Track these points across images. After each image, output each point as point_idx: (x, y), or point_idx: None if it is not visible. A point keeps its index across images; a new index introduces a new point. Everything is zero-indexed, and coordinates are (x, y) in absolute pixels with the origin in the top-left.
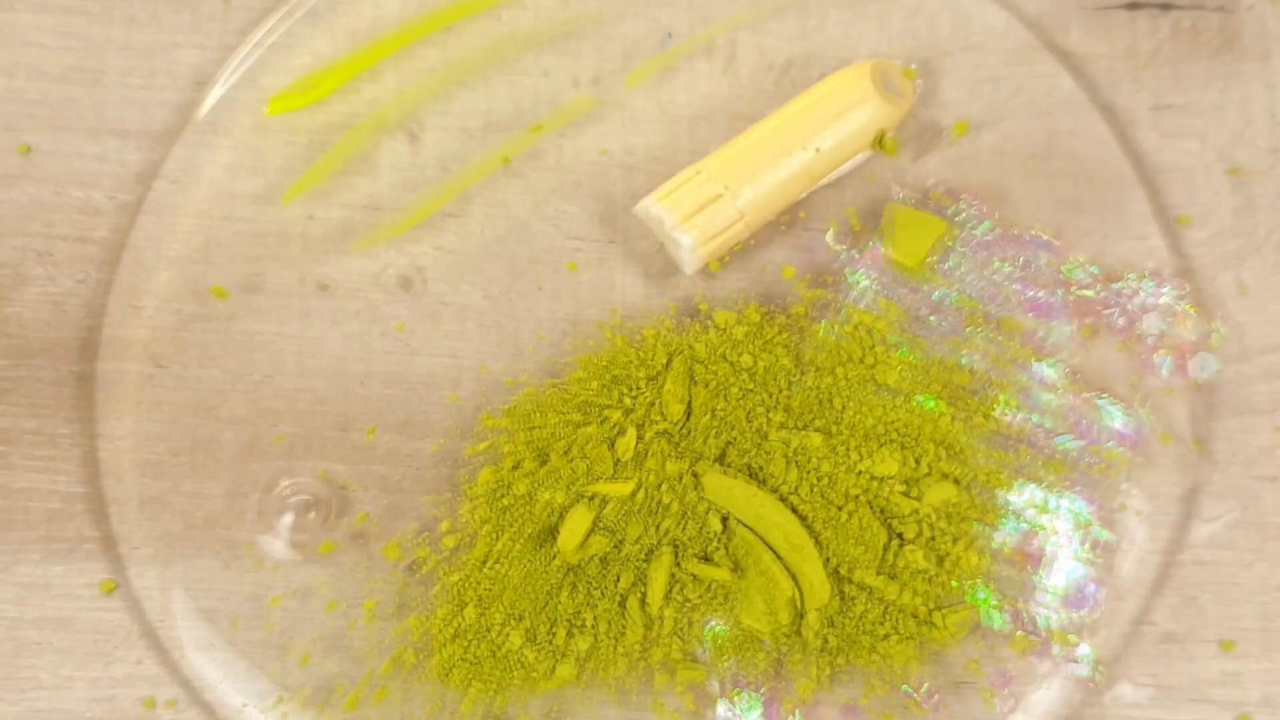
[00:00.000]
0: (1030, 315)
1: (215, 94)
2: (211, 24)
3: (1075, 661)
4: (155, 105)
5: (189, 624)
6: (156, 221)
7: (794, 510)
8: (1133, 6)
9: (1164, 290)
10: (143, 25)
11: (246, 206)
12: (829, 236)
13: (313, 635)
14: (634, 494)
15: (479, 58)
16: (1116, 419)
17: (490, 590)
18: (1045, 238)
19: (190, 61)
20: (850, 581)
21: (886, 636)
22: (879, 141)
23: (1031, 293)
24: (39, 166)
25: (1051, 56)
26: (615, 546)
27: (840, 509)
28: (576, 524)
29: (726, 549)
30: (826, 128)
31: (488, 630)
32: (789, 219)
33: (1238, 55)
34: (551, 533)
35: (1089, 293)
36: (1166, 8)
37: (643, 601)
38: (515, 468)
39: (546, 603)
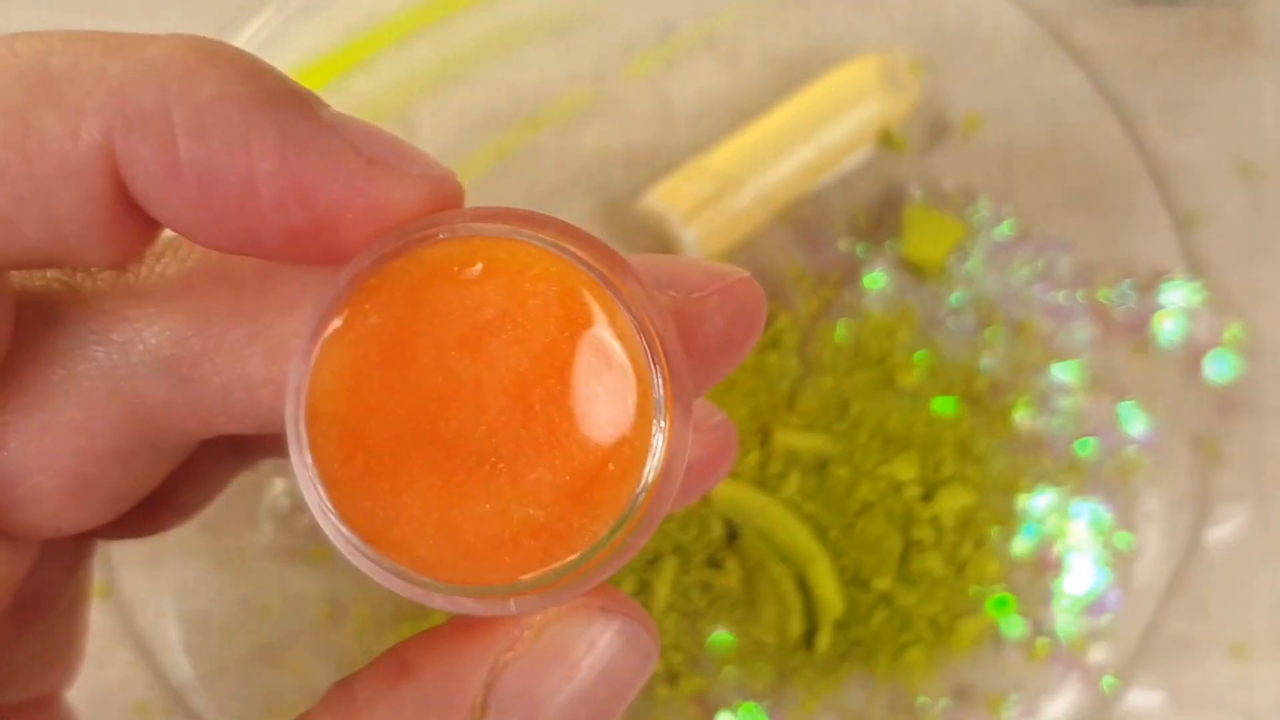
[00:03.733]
0: (1049, 318)
1: None
2: (204, 19)
3: (1090, 668)
4: None
5: (180, 629)
6: None
7: (807, 517)
8: (1141, 2)
9: (1182, 292)
10: (135, 21)
11: None
12: (838, 236)
13: (305, 642)
14: None
15: (476, 51)
16: (1136, 423)
17: None
18: (1065, 240)
19: None
20: (867, 589)
21: (906, 645)
22: (885, 137)
23: (1050, 296)
24: None
25: (1059, 52)
26: None
27: (857, 515)
28: None
29: (740, 555)
30: (831, 122)
31: None
32: (793, 215)
33: (1247, 51)
34: None
35: (1110, 302)
36: (1175, 3)
37: (645, 610)
38: None
39: None
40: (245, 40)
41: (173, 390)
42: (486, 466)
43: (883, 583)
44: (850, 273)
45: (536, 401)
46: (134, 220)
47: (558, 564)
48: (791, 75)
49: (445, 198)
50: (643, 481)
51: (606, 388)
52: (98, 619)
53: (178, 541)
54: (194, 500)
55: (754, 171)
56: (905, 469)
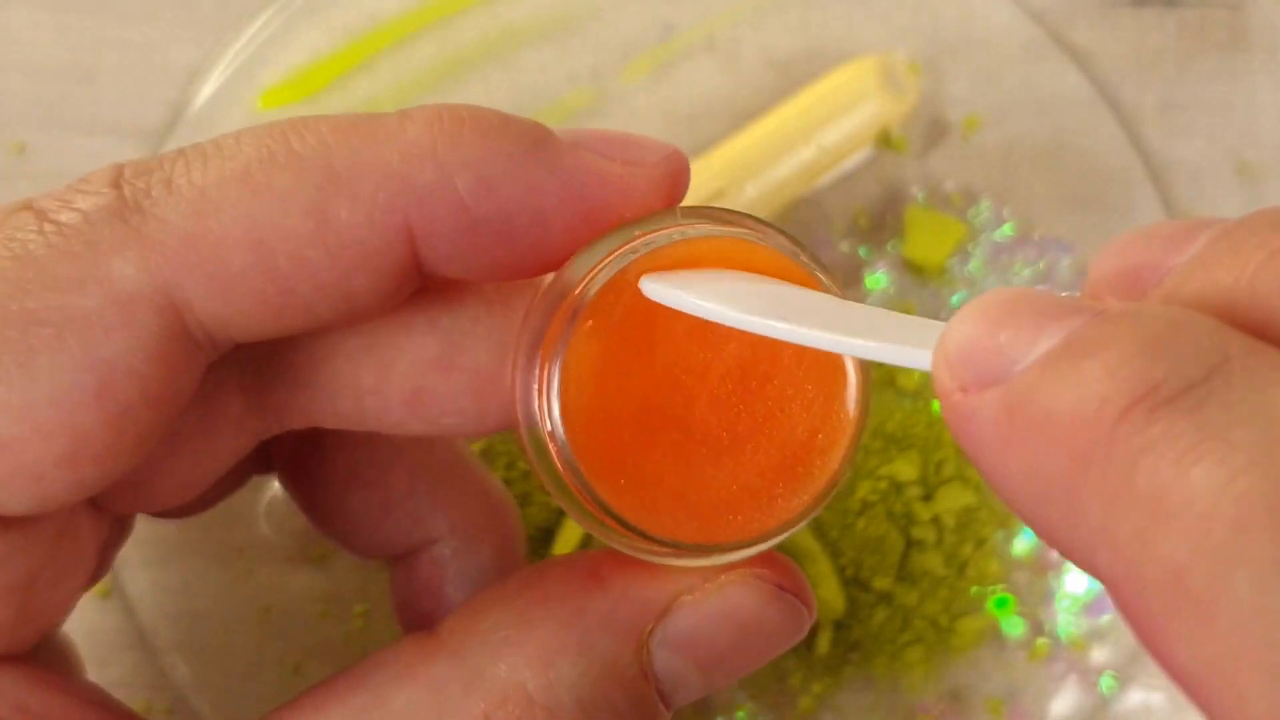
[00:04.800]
0: None
1: (209, 90)
2: (206, 19)
3: (1090, 668)
4: (149, 102)
5: (182, 629)
6: None
7: None
8: (1139, 3)
9: None
10: (136, 21)
11: None
12: (840, 237)
13: (306, 642)
14: None
15: (475, 52)
16: None
17: None
18: (1066, 241)
19: (184, 57)
20: (868, 589)
21: (906, 645)
22: (885, 138)
23: None
24: (34, 164)
25: (1058, 53)
26: None
27: (857, 515)
28: (573, 528)
29: None
30: (830, 124)
31: None
32: (793, 217)
33: (1246, 52)
34: (547, 538)
35: None
36: (1173, 4)
37: None
38: (509, 468)
39: None
40: (246, 40)
41: (288, 391)
42: (713, 441)
43: (883, 583)
44: (852, 274)
45: (755, 382)
46: (413, 278)
47: (774, 525)
48: (791, 76)
49: (681, 169)
50: (845, 450)
51: (816, 370)
52: (99, 619)
53: (178, 541)
54: (221, 493)
55: (754, 172)
56: (906, 469)
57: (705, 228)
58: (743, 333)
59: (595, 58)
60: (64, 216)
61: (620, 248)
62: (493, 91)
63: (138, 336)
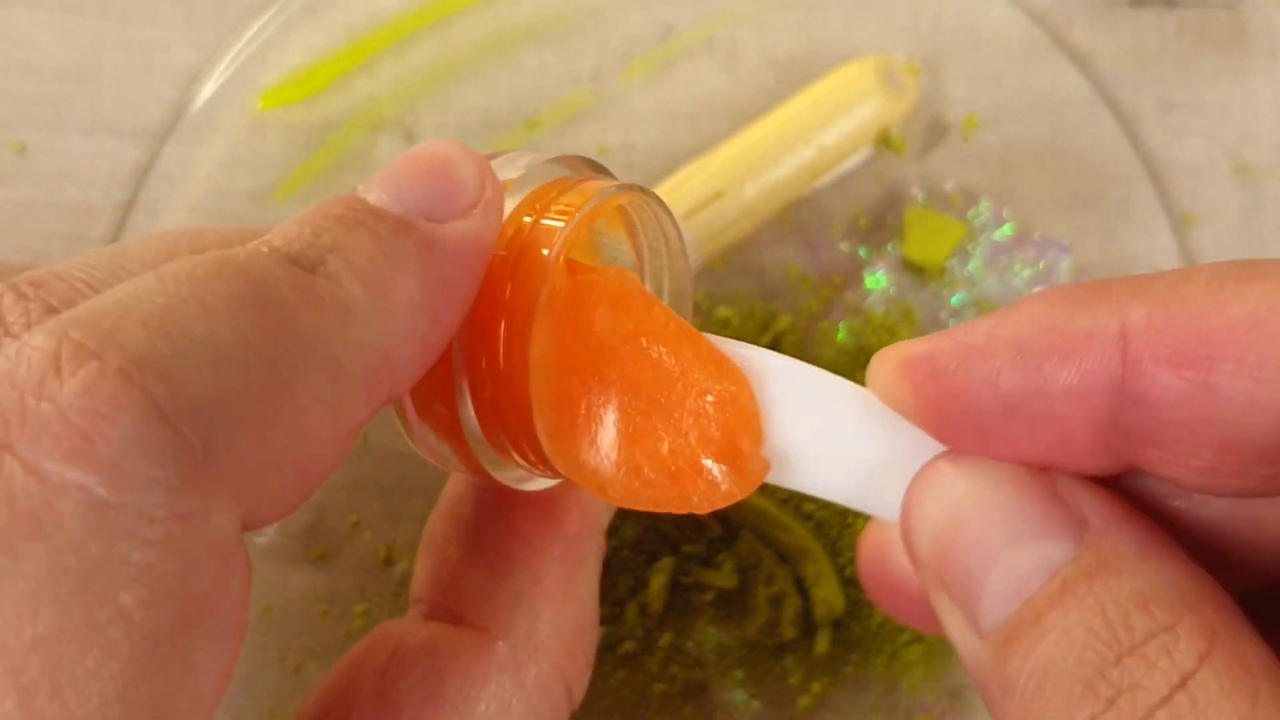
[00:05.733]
0: None
1: (209, 90)
2: (206, 20)
3: None
4: (150, 102)
5: None
6: (151, 219)
7: (806, 516)
8: (1138, 4)
9: None
10: (137, 22)
11: (241, 204)
12: (840, 237)
13: (306, 642)
14: None
15: (476, 51)
16: None
17: None
18: (1065, 241)
19: (185, 58)
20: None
21: (907, 644)
22: (884, 138)
23: None
24: (35, 165)
25: (1057, 53)
26: (612, 551)
27: (857, 515)
28: None
29: (737, 555)
30: (829, 124)
31: None
32: (793, 217)
33: (1244, 52)
34: None
35: None
36: (1172, 4)
37: (642, 608)
38: None
39: None
40: (246, 40)
41: None
42: (635, 405)
43: None
44: (852, 274)
45: (657, 356)
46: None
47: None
48: (791, 77)
49: (491, 177)
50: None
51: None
52: None
53: None
54: None
55: (754, 173)
56: None
57: (601, 182)
58: (644, 318)
59: (595, 58)
60: (140, 499)
61: (539, 215)
62: (493, 91)
63: (243, 573)
